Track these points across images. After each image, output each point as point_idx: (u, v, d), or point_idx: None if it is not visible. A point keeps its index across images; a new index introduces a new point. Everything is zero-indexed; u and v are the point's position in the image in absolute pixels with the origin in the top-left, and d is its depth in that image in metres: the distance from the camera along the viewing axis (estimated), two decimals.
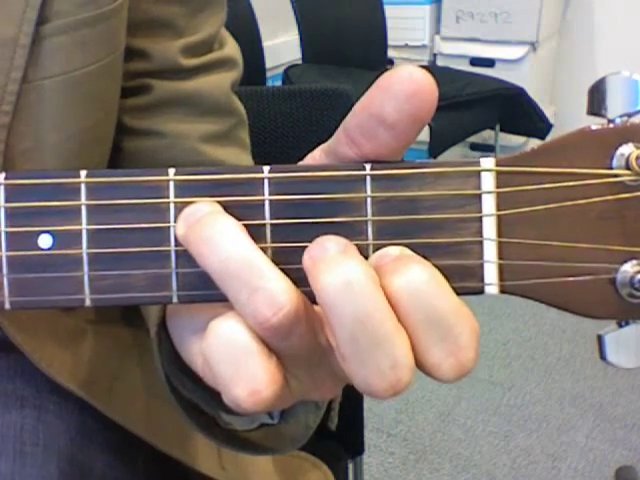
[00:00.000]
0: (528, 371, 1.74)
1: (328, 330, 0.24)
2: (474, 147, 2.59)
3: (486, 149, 2.54)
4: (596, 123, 0.25)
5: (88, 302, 0.26)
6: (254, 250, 0.24)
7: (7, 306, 0.27)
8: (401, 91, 0.24)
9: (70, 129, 0.41)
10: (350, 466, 0.78)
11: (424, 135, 2.11)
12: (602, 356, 0.26)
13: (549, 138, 2.35)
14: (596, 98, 0.25)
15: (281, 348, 0.25)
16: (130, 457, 0.48)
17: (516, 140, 2.48)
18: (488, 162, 0.25)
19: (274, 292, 0.23)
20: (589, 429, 1.54)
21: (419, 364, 0.24)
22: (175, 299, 0.26)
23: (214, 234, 0.24)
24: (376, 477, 1.44)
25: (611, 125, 0.25)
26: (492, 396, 1.65)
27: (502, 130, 2.37)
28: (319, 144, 0.28)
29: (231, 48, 0.52)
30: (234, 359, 0.24)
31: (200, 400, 0.34)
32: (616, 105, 0.25)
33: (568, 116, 2.65)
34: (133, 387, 0.48)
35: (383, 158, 0.26)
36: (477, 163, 0.25)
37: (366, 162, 0.26)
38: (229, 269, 0.24)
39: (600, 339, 0.26)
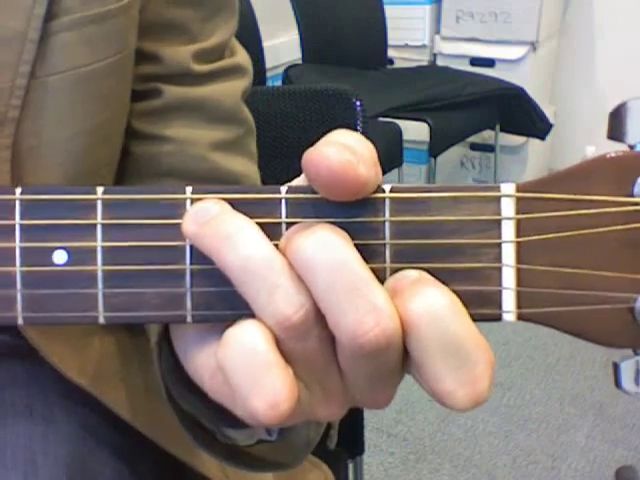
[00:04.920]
0: (528, 371, 1.74)
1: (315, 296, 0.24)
2: (474, 147, 2.58)
3: (486, 149, 2.54)
4: (616, 150, 0.25)
5: (102, 320, 0.26)
6: (273, 249, 0.24)
7: (20, 322, 0.27)
8: (321, 180, 0.24)
9: (76, 126, 0.41)
10: (350, 466, 0.79)
11: (424, 135, 2.10)
12: (617, 384, 0.25)
13: (549, 138, 2.35)
14: (616, 123, 0.25)
15: (297, 352, 0.24)
16: (138, 462, 0.48)
17: (516, 140, 2.47)
18: (508, 187, 0.25)
19: (295, 290, 0.23)
20: (589, 429, 1.54)
21: (433, 391, 0.24)
22: (189, 318, 0.26)
23: (233, 231, 0.24)
24: (376, 477, 1.44)
25: (631, 151, 0.25)
26: (492, 396, 1.65)
27: (502, 130, 2.36)
28: None
29: (242, 56, 0.52)
30: (254, 370, 0.23)
31: (200, 414, 0.33)
32: (637, 131, 0.25)
33: (568, 116, 2.65)
34: (138, 390, 0.48)
35: None
36: (497, 188, 0.25)
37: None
38: (249, 267, 0.24)
39: (616, 367, 0.25)
